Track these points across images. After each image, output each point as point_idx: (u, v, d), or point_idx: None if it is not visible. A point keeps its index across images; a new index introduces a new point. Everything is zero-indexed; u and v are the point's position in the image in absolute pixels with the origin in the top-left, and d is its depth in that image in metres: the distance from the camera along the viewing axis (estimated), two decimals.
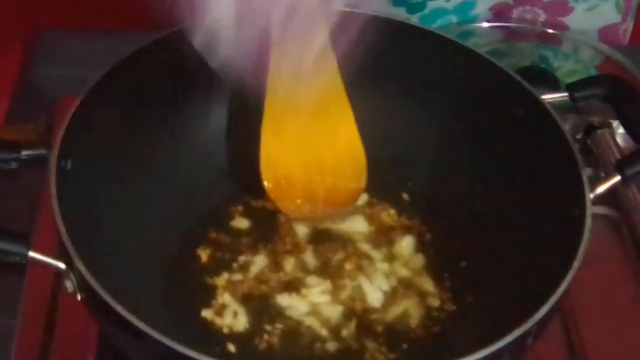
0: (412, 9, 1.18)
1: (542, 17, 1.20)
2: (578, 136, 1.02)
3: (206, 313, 0.86)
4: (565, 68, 1.13)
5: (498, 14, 1.20)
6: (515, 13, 1.20)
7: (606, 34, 1.21)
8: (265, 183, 0.92)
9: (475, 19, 1.19)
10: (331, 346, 0.84)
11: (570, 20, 1.20)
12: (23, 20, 1.30)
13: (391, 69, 0.96)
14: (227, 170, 0.95)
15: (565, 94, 0.92)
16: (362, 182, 0.94)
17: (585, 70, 1.12)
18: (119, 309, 0.72)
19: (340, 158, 0.94)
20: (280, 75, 0.92)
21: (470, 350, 0.72)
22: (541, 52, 1.15)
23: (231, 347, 0.84)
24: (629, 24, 1.24)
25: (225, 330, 0.85)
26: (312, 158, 0.94)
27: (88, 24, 1.26)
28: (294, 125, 0.93)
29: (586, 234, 0.79)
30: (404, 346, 0.85)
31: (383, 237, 0.93)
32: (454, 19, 1.19)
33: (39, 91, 1.11)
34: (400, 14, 1.17)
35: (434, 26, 1.19)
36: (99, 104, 0.86)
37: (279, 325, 0.85)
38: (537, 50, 1.15)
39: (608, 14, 1.20)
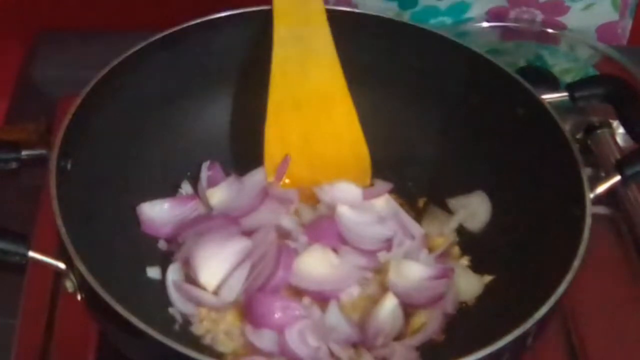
0: (404, 5, 1.18)
1: (539, 18, 1.19)
2: (578, 136, 1.02)
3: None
4: (562, 66, 1.13)
5: (495, 17, 1.19)
6: (512, 15, 1.20)
7: (604, 32, 1.21)
8: (270, 180, 0.92)
9: (469, 22, 1.19)
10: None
11: (567, 19, 1.19)
12: (23, 20, 1.31)
13: (391, 69, 0.96)
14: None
15: (565, 93, 0.92)
16: (367, 182, 0.94)
17: (581, 69, 1.12)
18: (119, 309, 0.72)
19: (344, 158, 0.94)
20: (282, 74, 0.91)
21: (470, 350, 0.72)
22: (537, 51, 1.15)
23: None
24: (628, 22, 1.24)
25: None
26: (316, 158, 0.94)
27: (88, 24, 1.26)
28: (297, 126, 0.93)
29: (586, 234, 0.79)
30: None
31: None
32: (447, 20, 1.19)
33: (39, 91, 1.10)
34: (391, 8, 1.17)
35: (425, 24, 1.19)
36: (99, 104, 0.86)
37: None
38: (533, 49, 1.15)
39: (605, 12, 1.20)
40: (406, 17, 1.18)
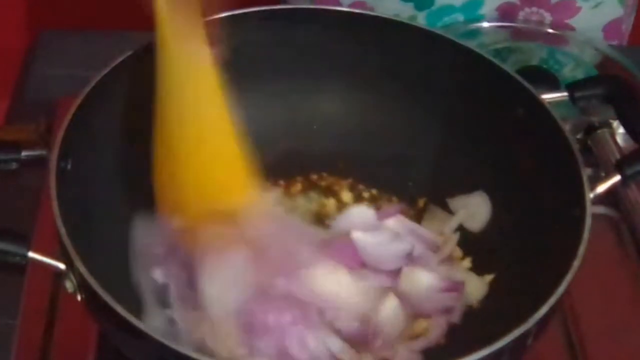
0: (420, 6, 1.18)
1: (548, 19, 1.19)
2: (578, 136, 1.02)
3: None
4: (572, 68, 1.13)
5: (504, 14, 1.19)
6: (521, 14, 1.20)
7: (610, 30, 1.21)
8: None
9: (481, 19, 1.19)
10: None
11: (576, 19, 1.20)
12: (23, 20, 1.31)
13: (391, 69, 0.96)
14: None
15: (565, 93, 0.92)
16: (253, 188, 0.88)
17: (590, 71, 1.12)
18: (119, 309, 0.72)
19: (229, 175, 0.88)
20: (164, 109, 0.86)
21: (471, 350, 0.72)
22: (548, 52, 1.15)
23: None
24: (631, 19, 1.25)
25: None
26: (205, 186, 0.88)
27: (88, 24, 1.26)
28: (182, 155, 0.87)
29: (586, 234, 0.79)
30: None
31: None
32: (460, 17, 1.19)
33: (39, 91, 1.11)
34: (407, 10, 1.17)
35: (441, 24, 1.19)
36: (99, 104, 0.86)
37: None
38: (543, 51, 1.15)
39: (612, 9, 1.20)
40: (421, 17, 1.18)
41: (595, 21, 1.20)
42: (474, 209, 0.92)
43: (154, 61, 0.90)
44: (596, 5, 1.19)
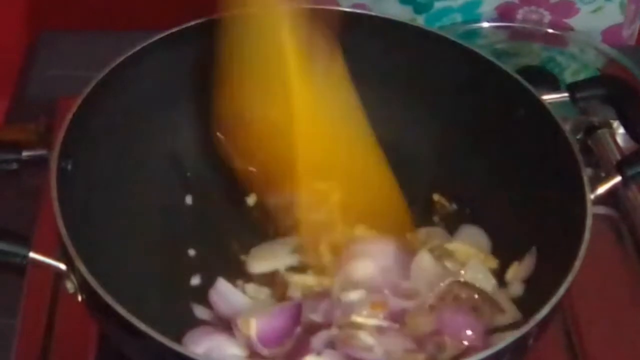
0: (419, 9, 1.18)
1: (547, 18, 1.19)
2: (578, 136, 1.02)
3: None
4: (573, 69, 1.13)
5: (503, 14, 1.19)
6: (520, 13, 1.20)
7: (609, 35, 1.21)
8: None
9: (479, 18, 1.19)
10: None
11: (574, 21, 1.19)
12: (23, 20, 1.31)
13: (392, 69, 0.96)
14: (227, 169, 0.95)
15: (566, 94, 0.92)
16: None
17: (592, 73, 1.12)
18: (119, 309, 0.72)
19: None
20: None
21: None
22: (548, 53, 1.15)
23: None
24: (635, 27, 1.24)
25: None
26: None
27: (88, 24, 1.27)
28: None
29: (586, 234, 0.79)
30: None
31: None
32: (458, 17, 1.19)
33: (39, 91, 1.11)
34: (406, 13, 1.17)
35: (439, 24, 1.19)
36: (99, 104, 0.86)
37: None
38: (544, 51, 1.15)
39: (612, 15, 1.20)
40: (420, 20, 1.18)
41: (594, 25, 1.20)
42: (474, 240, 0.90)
43: (154, 61, 0.90)
44: (596, 10, 1.19)
